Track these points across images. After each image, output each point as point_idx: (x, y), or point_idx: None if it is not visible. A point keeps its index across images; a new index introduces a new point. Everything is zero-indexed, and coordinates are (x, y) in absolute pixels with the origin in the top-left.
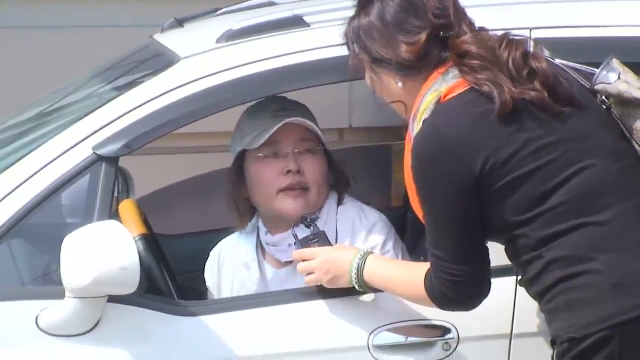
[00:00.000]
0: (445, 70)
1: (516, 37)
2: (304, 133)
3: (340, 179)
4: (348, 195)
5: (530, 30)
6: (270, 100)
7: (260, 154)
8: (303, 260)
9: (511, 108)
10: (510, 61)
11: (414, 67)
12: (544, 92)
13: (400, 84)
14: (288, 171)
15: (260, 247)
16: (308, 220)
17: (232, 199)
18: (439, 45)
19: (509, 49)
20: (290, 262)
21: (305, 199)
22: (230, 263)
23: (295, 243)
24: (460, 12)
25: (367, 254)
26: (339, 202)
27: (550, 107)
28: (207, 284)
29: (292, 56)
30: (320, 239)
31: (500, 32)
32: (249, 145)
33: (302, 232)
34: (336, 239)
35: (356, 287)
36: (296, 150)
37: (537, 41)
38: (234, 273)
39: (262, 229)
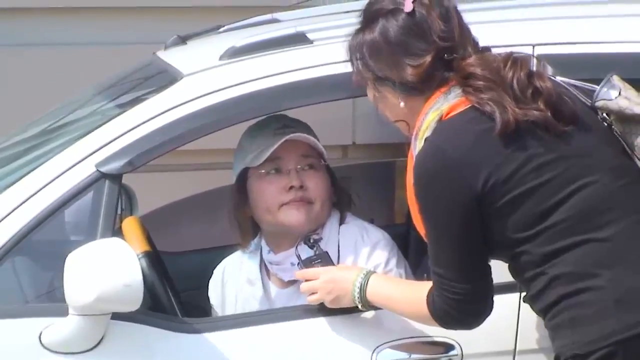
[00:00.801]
0: (447, 89)
1: (520, 56)
2: (306, 149)
3: (343, 197)
4: (350, 213)
5: (534, 46)
6: (271, 119)
7: (263, 171)
8: (306, 280)
9: (514, 128)
10: (515, 81)
11: (417, 88)
12: (547, 111)
13: (402, 103)
14: (291, 187)
15: (264, 266)
16: (311, 242)
17: (235, 217)
18: (443, 67)
19: (514, 69)
20: (294, 281)
21: (308, 210)
22: (234, 281)
23: (298, 263)
24: (465, 34)
25: (369, 273)
26: (341, 221)
27: (554, 127)
28: (211, 301)
29: (296, 73)
30: (323, 259)
31: (504, 50)
32: (251, 163)
33: (306, 252)
34: (338, 258)
35: (359, 306)
36: (298, 167)
37: (540, 58)
38: (238, 291)
39: (265, 248)
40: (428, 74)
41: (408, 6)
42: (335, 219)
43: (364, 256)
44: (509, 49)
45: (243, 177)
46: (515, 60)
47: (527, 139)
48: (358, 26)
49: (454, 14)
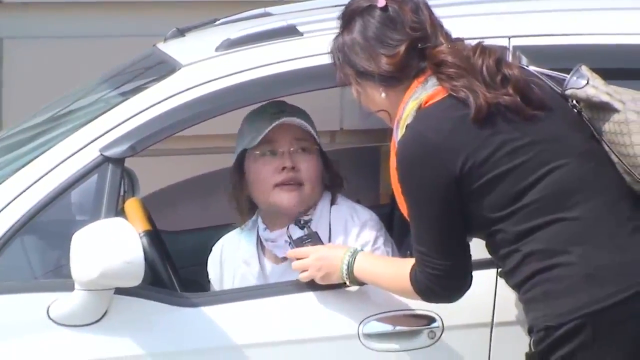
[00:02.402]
0: (425, 79)
1: (489, 45)
2: (300, 133)
3: (335, 179)
4: (340, 195)
5: (509, 38)
6: (270, 104)
7: (258, 152)
8: (298, 259)
9: (486, 112)
10: (484, 68)
11: (395, 78)
12: (516, 96)
13: (383, 94)
14: (283, 168)
15: (260, 243)
16: (302, 222)
17: (234, 196)
18: (418, 56)
19: (483, 57)
20: (287, 258)
21: (299, 192)
22: (232, 259)
23: (290, 243)
24: (436, 25)
25: (357, 251)
26: (332, 202)
27: (523, 111)
28: (209, 277)
29: (287, 63)
30: (313, 238)
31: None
32: (248, 145)
33: (297, 233)
34: (329, 237)
35: (347, 282)
36: (292, 149)
37: (516, 49)
38: (235, 269)
39: (262, 226)
40: (403, 64)
41: (381, 2)
42: (327, 200)
43: (354, 235)
44: (486, 41)
45: (241, 158)
46: (484, 49)
47: (500, 123)
48: (338, 31)
49: (424, 8)
